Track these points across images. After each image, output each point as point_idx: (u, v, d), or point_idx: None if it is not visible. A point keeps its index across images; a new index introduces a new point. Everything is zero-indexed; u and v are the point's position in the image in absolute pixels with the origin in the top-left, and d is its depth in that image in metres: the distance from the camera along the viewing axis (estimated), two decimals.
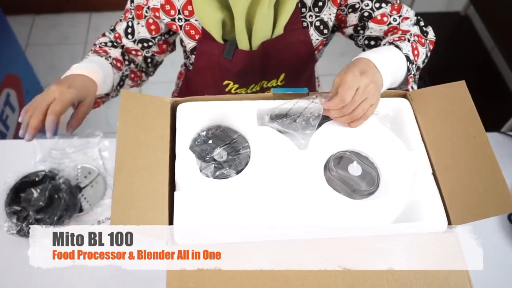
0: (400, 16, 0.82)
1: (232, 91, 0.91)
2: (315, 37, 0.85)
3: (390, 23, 0.82)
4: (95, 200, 0.96)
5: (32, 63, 2.02)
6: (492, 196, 0.57)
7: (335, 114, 0.65)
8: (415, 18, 0.84)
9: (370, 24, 0.82)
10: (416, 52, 0.75)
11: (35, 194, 0.92)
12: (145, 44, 0.90)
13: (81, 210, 0.95)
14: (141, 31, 0.88)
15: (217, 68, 0.87)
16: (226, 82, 0.90)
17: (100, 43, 0.90)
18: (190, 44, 0.86)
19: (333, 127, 0.68)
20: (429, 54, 0.82)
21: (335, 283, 0.53)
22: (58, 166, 0.98)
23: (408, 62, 0.73)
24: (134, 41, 0.89)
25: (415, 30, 0.81)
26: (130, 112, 0.62)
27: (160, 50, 0.93)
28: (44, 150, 0.98)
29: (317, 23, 0.83)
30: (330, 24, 0.84)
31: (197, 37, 0.84)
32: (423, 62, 0.80)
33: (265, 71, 0.88)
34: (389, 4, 0.82)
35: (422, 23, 0.84)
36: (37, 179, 0.95)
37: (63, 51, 2.32)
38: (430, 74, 1.92)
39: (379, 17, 0.81)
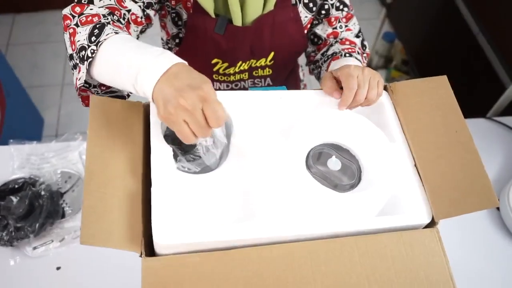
0: (346, 26, 0.88)
1: (221, 71, 0.89)
2: (304, 15, 0.85)
3: (335, 28, 0.88)
4: (77, 205, 0.94)
5: (14, 63, 1.99)
6: (475, 191, 0.56)
7: (353, 104, 0.66)
8: (355, 33, 0.90)
9: (323, 21, 0.88)
10: (364, 65, 0.83)
11: (15, 202, 0.90)
12: (147, 11, 0.75)
13: (63, 216, 0.93)
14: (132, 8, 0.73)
15: (208, 45, 0.84)
16: (215, 60, 0.87)
17: (96, 15, 0.65)
18: (184, 17, 0.82)
19: (313, 120, 0.67)
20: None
21: (314, 287, 0.52)
22: (38, 172, 0.96)
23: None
24: (142, 3, 0.73)
25: (358, 43, 0.88)
26: (101, 118, 0.60)
27: (140, 24, 0.75)
28: (22, 156, 0.96)
29: (310, 3, 0.84)
30: (318, 1, 0.85)
31: (191, 10, 0.80)
32: None
33: (255, 49, 0.86)
34: (345, 11, 0.87)
35: (362, 37, 0.90)
36: (16, 186, 0.93)
37: (45, 49, 2.28)
38: (416, 58, 1.90)
39: (332, 19, 0.87)
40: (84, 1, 0.69)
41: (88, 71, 0.62)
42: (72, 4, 0.68)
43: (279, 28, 0.83)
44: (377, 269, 0.54)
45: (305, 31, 0.89)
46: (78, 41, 0.63)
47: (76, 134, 1.02)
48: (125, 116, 0.62)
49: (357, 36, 0.89)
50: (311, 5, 0.84)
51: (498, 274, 0.88)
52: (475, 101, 1.54)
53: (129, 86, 0.56)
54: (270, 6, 0.78)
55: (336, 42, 0.88)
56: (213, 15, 0.79)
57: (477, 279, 0.87)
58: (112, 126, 0.60)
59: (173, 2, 0.81)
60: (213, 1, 0.77)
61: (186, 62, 0.55)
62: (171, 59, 0.54)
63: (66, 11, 0.67)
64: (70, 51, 0.66)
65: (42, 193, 0.92)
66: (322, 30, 0.88)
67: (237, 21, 0.79)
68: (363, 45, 0.89)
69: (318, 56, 0.90)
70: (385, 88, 0.70)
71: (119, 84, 0.59)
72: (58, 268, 0.87)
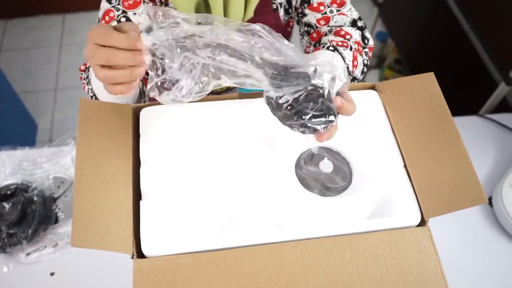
0: (338, 10, 0.80)
1: None
2: (283, 18, 0.84)
3: (325, 13, 0.79)
4: (70, 210, 0.94)
5: (7, 69, 1.98)
6: (464, 188, 0.57)
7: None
8: (353, 19, 0.80)
9: (306, 11, 0.81)
10: (355, 63, 0.72)
11: (7, 208, 0.89)
12: None
13: (56, 221, 0.93)
14: (141, 20, 0.74)
15: None
16: None
17: None
18: None
19: None
20: (368, 63, 0.79)
21: (306, 286, 0.52)
22: (30, 178, 0.95)
23: (347, 73, 0.70)
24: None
25: (357, 35, 0.77)
26: (90, 121, 0.60)
27: None
28: (14, 162, 0.95)
29: (285, 4, 0.82)
30: (293, 3, 0.83)
31: None
32: (362, 72, 0.77)
33: None
34: None
35: (360, 24, 0.80)
36: (8, 192, 0.93)
37: (38, 54, 2.27)
38: (408, 57, 1.91)
39: (315, 4, 0.79)
40: None
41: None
42: (79, 66, 0.77)
43: None
44: (369, 267, 0.54)
45: (287, 34, 0.88)
46: (86, 89, 0.72)
47: (68, 139, 1.01)
48: (115, 118, 0.62)
49: (355, 25, 0.80)
50: (290, 10, 0.83)
51: (491, 271, 0.89)
52: (467, 99, 1.55)
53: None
54: (250, 13, 0.77)
55: (330, 31, 0.79)
56: None
57: (470, 276, 0.87)
58: (102, 128, 0.60)
59: None
60: (195, 13, 0.77)
61: None
62: None
63: (79, 74, 0.76)
64: None
65: (35, 198, 0.91)
66: (311, 18, 0.81)
67: None
68: (364, 38, 0.79)
69: (311, 48, 0.84)
70: (374, 88, 0.71)
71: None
72: (52, 274, 0.86)
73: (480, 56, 1.63)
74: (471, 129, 1.12)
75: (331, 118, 0.51)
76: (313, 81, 0.52)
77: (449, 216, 0.58)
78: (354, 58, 0.72)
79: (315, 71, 0.52)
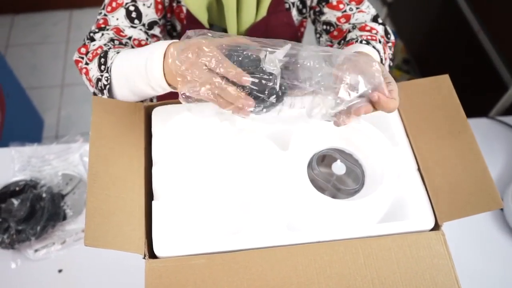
0: (357, 8, 0.79)
1: None
2: (296, 18, 0.83)
3: (345, 11, 0.79)
4: (79, 208, 0.93)
5: (13, 64, 1.98)
6: (479, 193, 0.56)
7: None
8: (373, 15, 0.79)
9: (325, 9, 0.80)
10: (385, 56, 0.72)
11: (16, 205, 0.89)
12: (151, 32, 0.76)
13: (64, 218, 0.93)
14: (149, 13, 0.74)
15: None
16: None
17: (98, 47, 0.69)
18: (178, 28, 0.82)
19: (315, 125, 0.66)
20: (392, 58, 0.78)
21: None
22: (39, 174, 0.95)
23: None
24: (143, 26, 0.74)
25: (381, 30, 0.77)
26: (103, 120, 0.60)
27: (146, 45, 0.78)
28: (23, 158, 0.95)
29: (298, 4, 0.82)
30: (308, 3, 0.82)
31: (184, 21, 0.80)
32: (389, 66, 0.76)
33: None
34: None
35: (380, 20, 0.79)
36: (17, 189, 0.93)
37: (44, 50, 2.27)
38: (417, 58, 1.90)
39: (334, 3, 0.79)
40: (87, 42, 0.72)
41: (111, 97, 0.65)
42: (78, 48, 0.71)
43: (272, 34, 0.81)
44: (382, 271, 0.53)
45: (298, 34, 0.87)
46: (93, 75, 0.66)
47: (76, 136, 1.01)
48: (127, 117, 0.62)
49: (376, 20, 0.79)
50: (304, 10, 0.83)
51: (502, 275, 0.88)
52: (477, 100, 1.53)
53: (147, 87, 0.58)
54: (263, 12, 0.77)
55: (354, 28, 0.78)
56: (207, 26, 0.78)
57: (481, 280, 0.87)
58: (114, 127, 0.60)
59: (168, 15, 0.81)
60: (207, 11, 0.77)
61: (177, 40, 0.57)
62: (164, 42, 0.56)
63: (75, 56, 0.72)
64: (91, 89, 0.69)
65: (43, 195, 0.91)
66: (331, 16, 0.80)
67: (232, 30, 0.78)
68: (387, 33, 0.78)
69: (335, 46, 0.82)
70: None
71: (140, 92, 0.61)
72: (60, 271, 0.86)
73: (490, 57, 1.62)
74: (481, 131, 1.11)
75: (273, 100, 0.54)
76: (262, 65, 0.53)
77: (459, 219, 0.57)
78: (384, 52, 0.72)
79: (265, 56, 0.53)
